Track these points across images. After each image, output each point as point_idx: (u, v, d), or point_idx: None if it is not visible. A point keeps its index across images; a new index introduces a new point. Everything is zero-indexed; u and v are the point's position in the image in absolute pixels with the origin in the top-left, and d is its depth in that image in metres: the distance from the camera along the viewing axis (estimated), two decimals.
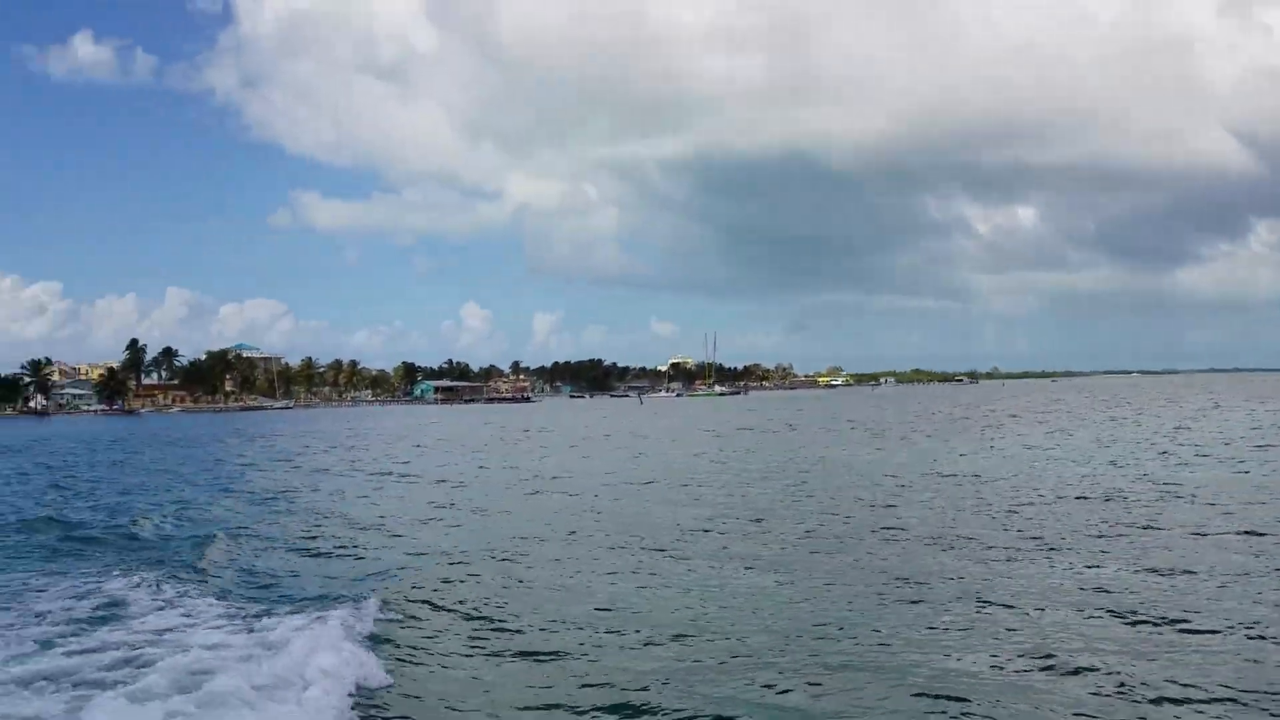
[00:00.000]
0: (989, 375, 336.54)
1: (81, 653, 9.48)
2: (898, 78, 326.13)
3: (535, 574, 13.89)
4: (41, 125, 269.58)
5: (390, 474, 32.99)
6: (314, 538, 18.28)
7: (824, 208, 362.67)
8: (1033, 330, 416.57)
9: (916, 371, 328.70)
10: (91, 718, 7.25)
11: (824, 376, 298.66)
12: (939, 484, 23.64)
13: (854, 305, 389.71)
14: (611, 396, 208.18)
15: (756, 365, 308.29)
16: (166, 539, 18.42)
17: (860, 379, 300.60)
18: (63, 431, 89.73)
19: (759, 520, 18.23)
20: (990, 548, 14.44)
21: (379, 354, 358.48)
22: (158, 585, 13.05)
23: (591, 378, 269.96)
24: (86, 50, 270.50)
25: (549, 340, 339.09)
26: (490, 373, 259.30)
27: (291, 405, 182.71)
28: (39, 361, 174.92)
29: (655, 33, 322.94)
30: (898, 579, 12.34)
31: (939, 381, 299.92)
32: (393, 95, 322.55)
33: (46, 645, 9.76)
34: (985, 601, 11.04)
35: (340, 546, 17.11)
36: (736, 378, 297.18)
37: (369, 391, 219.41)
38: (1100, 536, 15.26)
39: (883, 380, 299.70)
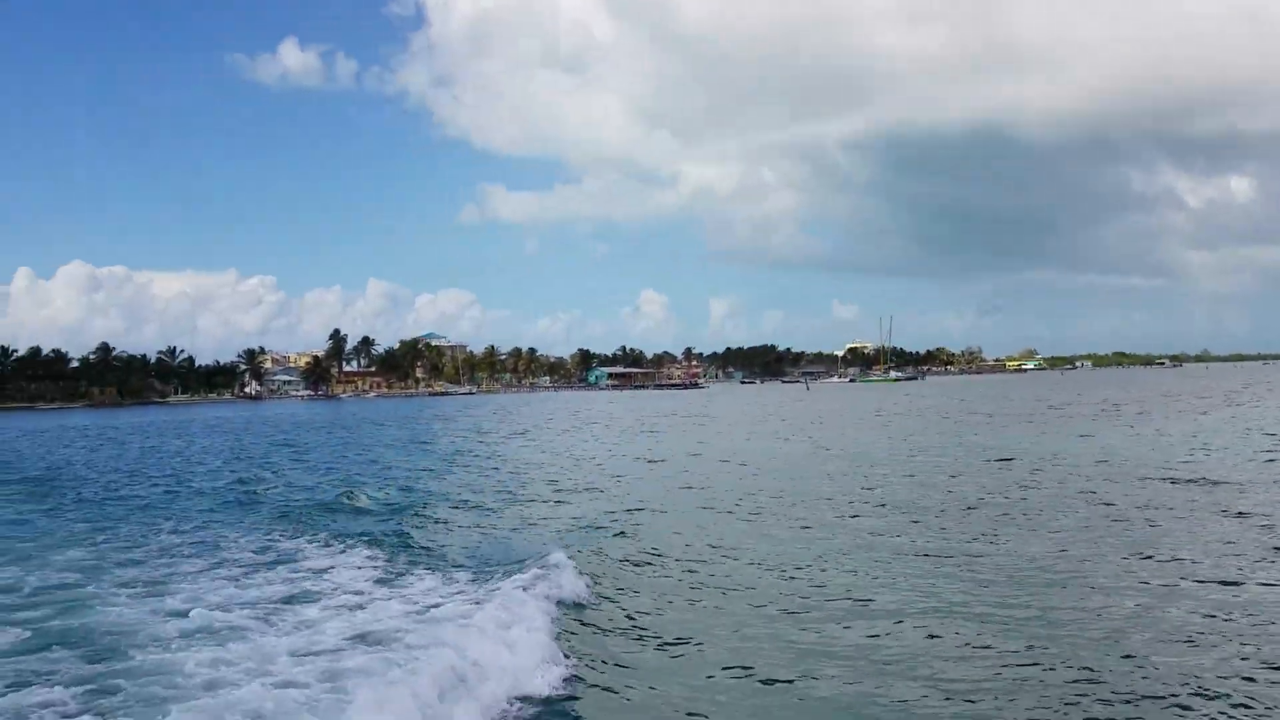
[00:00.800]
0: (1197, 358, 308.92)
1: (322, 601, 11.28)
2: (1095, 43, 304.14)
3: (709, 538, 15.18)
4: (254, 130, 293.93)
5: (562, 452, 35.11)
6: (511, 503, 20.72)
7: (1016, 183, 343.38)
8: (1248, 310, 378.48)
9: (1118, 355, 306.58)
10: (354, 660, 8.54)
11: (1014, 360, 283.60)
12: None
13: (1050, 284, 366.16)
14: (783, 382, 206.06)
15: (941, 349, 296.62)
16: (387, 506, 21.02)
17: (1055, 362, 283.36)
18: (276, 413, 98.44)
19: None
20: None
21: (559, 341, 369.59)
22: (375, 547, 14.98)
23: (764, 363, 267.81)
24: (293, 57, 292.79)
25: (725, 325, 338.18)
26: (663, 359, 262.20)
27: (474, 391, 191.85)
28: (253, 351, 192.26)
29: (831, 10, 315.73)
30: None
31: (1141, 365, 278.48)
32: (573, 87, 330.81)
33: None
34: None
35: (533, 511, 19.34)
36: (919, 362, 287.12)
37: (547, 378, 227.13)
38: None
39: (1078, 364, 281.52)
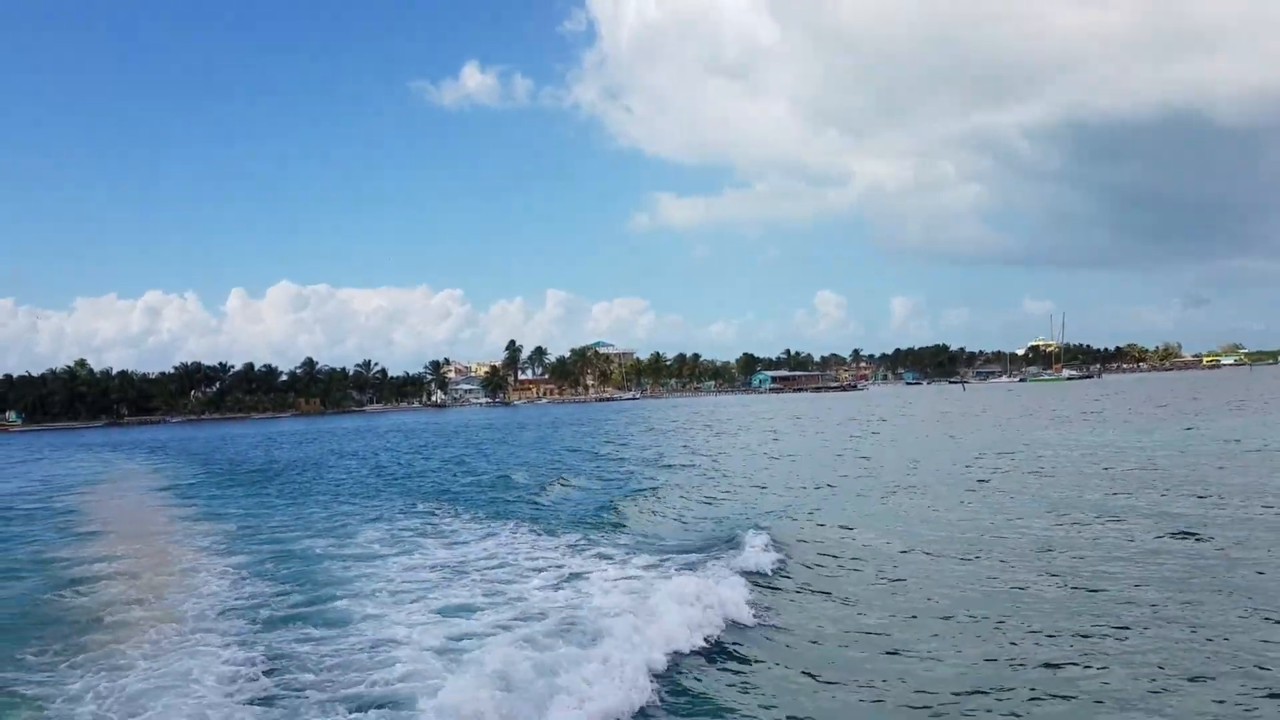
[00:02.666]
0: None
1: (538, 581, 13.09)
2: None
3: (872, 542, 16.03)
4: (439, 152, 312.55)
5: (706, 454, 39.37)
6: (692, 495, 23.52)
7: (1216, 166, 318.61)
8: None
9: None
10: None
11: (1211, 356, 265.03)
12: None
13: (1261, 274, 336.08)
14: (949, 383, 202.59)
15: (1133, 345, 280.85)
16: (584, 491, 24.37)
17: (1259, 358, 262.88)
18: (462, 418, 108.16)
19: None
20: None
21: (732, 345, 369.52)
22: (580, 532, 17.40)
23: (937, 363, 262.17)
24: (474, 80, 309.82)
25: (907, 325, 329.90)
26: (829, 361, 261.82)
27: (638, 396, 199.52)
28: (438, 362, 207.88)
29: None
30: None
31: None
32: (740, 92, 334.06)
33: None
34: None
35: (714, 501, 22.13)
36: (1106, 359, 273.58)
37: (711, 382, 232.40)
38: None
39: None
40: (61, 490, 34.23)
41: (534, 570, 13.75)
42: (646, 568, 13.48)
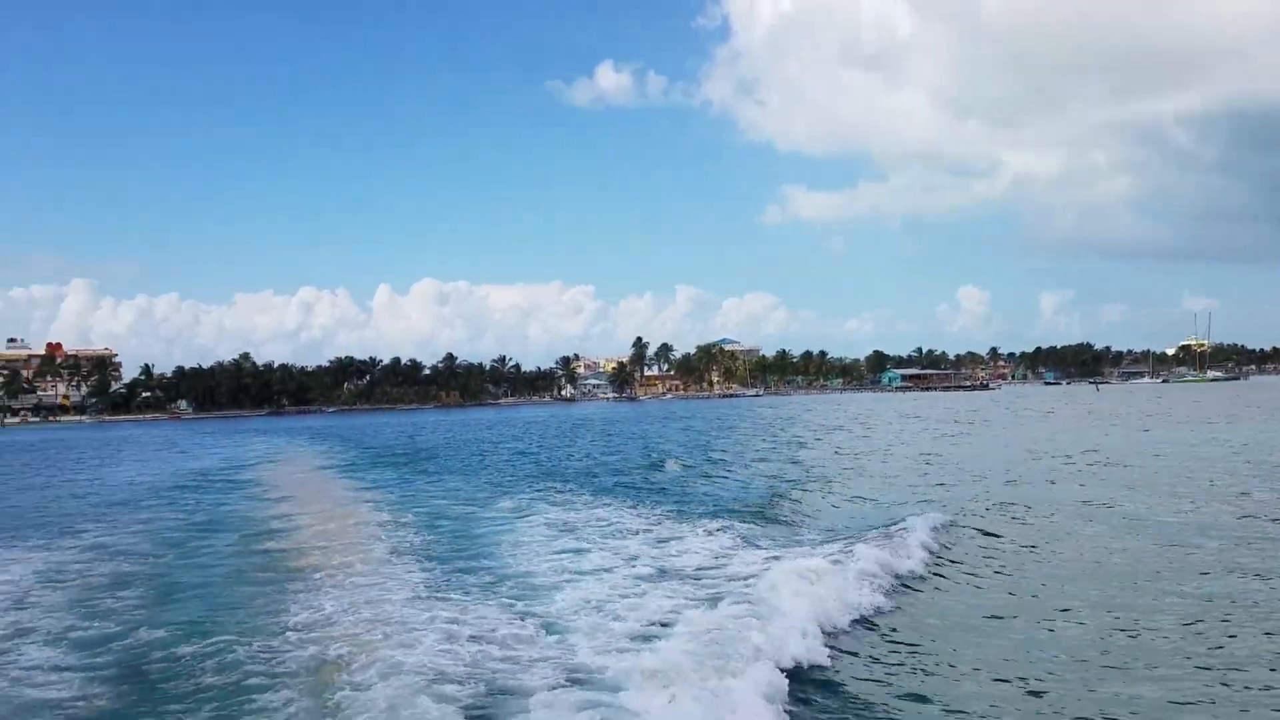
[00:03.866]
0: None
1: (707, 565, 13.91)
2: None
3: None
4: (570, 150, 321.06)
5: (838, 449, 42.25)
6: (834, 484, 25.12)
7: None
8: None
9: None
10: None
11: None
12: None
13: None
14: (1089, 383, 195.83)
15: None
16: (743, 486, 25.48)
17: None
18: (593, 413, 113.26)
19: None
20: None
21: (866, 342, 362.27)
22: (744, 517, 18.72)
23: (1080, 362, 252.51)
24: (608, 79, 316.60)
25: (1056, 322, 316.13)
26: (963, 360, 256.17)
27: (762, 393, 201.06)
28: (568, 358, 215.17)
29: None
30: None
31: None
32: (876, 83, 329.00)
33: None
34: None
35: (858, 490, 23.71)
36: (1261, 359, 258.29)
37: (839, 380, 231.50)
38: None
39: None
40: (245, 466, 39.99)
41: (708, 551, 14.89)
42: (814, 547, 14.87)
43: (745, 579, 12.42)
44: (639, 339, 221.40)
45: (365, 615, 11.37)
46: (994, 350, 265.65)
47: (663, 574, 13.22)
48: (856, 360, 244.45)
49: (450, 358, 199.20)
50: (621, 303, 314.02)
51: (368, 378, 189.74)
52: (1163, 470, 25.75)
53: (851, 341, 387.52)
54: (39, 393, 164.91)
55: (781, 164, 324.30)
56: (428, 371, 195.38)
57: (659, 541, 16.04)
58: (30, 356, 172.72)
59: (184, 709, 8.52)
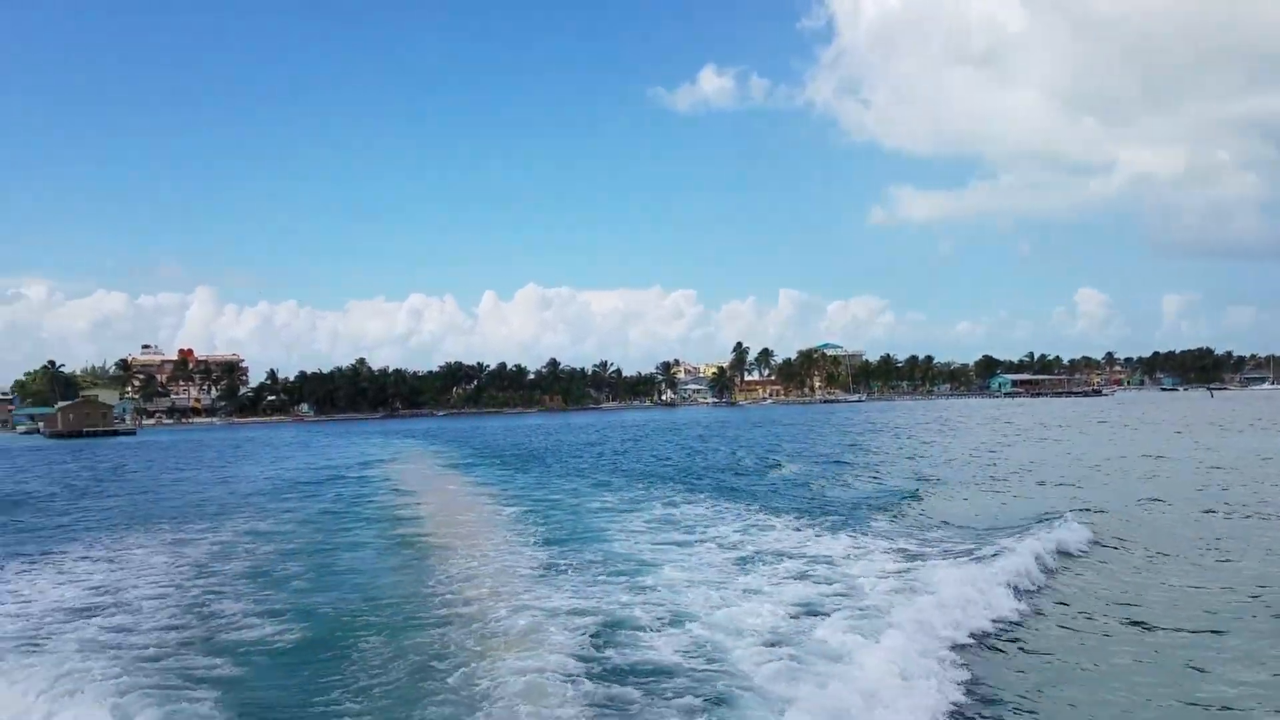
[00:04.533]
0: None
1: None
2: None
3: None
4: (671, 155, 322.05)
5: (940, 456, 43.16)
6: (979, 486, 25.87)
7: None
8: None
9: None
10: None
11: None
12: None
13: None
14: (1205, 389, 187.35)
15: None
16: (879, 490, 25.66)
17: None
18: (696, 417, 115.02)
19: None
20: None
21: (979, 346, 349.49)
22: (874, 522, 19.10)
23: (1200, 367, 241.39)
24: (711, 84, 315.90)
25: (1179, 325, 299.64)
26: (1076, 365, 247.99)
27: (864, 398, 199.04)
28: (668, 363, 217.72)
29: None
30: None
31: None
32: (986, 81, 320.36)
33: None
34: None
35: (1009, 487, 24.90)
36: None
37: (947, 385, 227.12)
38: None
39: None
40: (372, 464, 43.09)
41: (849, 550, 15.57)
42: (949, 546, 15.73)
43: (882, 575, 13.18)
44: (739, 344, 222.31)
45: (497, 586, 13.34)
46: (1109, 355, 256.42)
47: (795, 567, 14.06)
48: (965, 365, 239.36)
49: (553, 363, 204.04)
50: (724, 307, 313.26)
51: (475, 382, 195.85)
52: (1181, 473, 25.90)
53: (962, 345, 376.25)
54: (173, 396, 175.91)
55: (887, 164, 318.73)
56: (532, 376, 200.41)
57: (796, 533, 17.26)
58: (164, 361, 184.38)
59: (359, 657, 10.42)
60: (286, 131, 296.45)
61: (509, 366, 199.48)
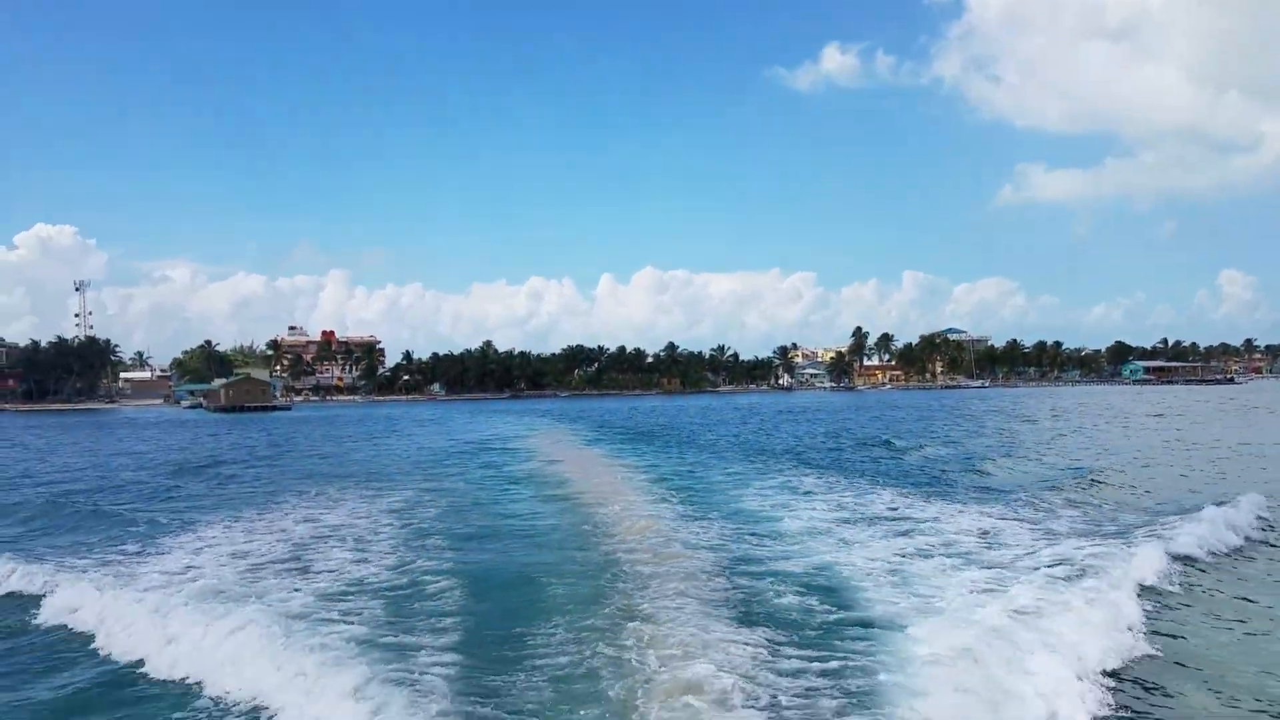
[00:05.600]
0: None
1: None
2: None
3: None
4: (791, 136, 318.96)
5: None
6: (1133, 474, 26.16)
7: None
8: None
9: None
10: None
11: None
12: None
13: None
14: None
15: None
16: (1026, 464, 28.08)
17: None
18: (809, 401, 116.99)
19: None
20: None
21: (1115, 330, 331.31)
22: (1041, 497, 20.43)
23: None
24: (834, 61, 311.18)
25: None
26: (1214, 351, 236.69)
27: (987, 384, 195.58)
28: (785, 347, 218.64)
29: None
30: None
31: None
32: (1123, 56, 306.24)
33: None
34: None
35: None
36: None
37: (1076, 371, 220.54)
38: None
39: None
40: (511, 438, 47.56)
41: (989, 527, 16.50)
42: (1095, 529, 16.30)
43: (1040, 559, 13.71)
44: (859, 329, 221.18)
45: (656, 540, 16.60)
46: (1248, 342, 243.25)
47: (943, 547, 14.95)
48: (1096, 351, 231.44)
49: (671, 346, 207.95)
50: (844, 290, 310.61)
51: (596, 365, 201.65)
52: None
53: (1098, 331, 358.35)
54: (317, 375, 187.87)
55: (1017, 142, 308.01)
56: (650, 359, 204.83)
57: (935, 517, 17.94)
58: (309, 342, 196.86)
59: (539, 591, 12.79)
60: (413, 121, 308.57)
61: (624, 349, 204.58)
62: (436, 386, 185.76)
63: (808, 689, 8.66)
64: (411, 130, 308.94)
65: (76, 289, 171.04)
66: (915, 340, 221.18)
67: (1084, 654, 9.18)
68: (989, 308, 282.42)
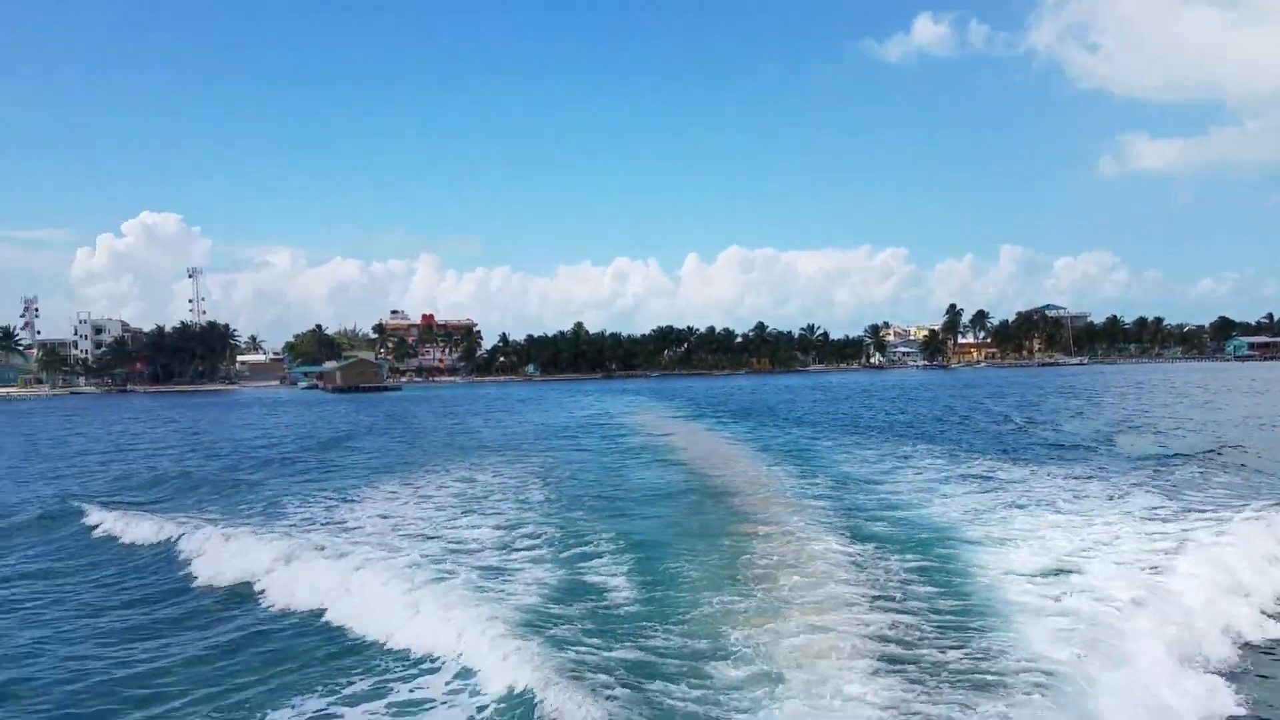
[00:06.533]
0: None
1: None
2: None
3: None
4: (882, 109, 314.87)
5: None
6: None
7: None
8: None
9: None
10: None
11: None
12: None
13: None
14: None
15: None
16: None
17: None
18: (903, 379, 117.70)
19: None
20: None
21: (1222, 305, 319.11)
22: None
23: None
24: (926, 31, 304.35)
25: None
26: None
27: (1085, 362, 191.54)
28: (877, 326, 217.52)
29: None
30: None
31: None
32: (1229, 22, 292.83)
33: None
34: None
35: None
36: None
37: (1179, 348, 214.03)
38: None
39: None
40: (616, 415, 50.88)
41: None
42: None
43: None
44: (953, 306, 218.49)
45: (772, 503, 19.56)
46: None
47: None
48: (1200, 327, 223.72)
49: (760, 326, 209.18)
50: (937, 266, 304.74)
51: (685, 345, 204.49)
52: None
53: (1203, 305, 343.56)
54: (419, 357, 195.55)
55: (1117, 112, 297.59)
56: (739, 339, 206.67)
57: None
58: (410, 325, 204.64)
59: (669, 548, 14.59)
60: (497, 106, 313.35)
61: (713, 329, 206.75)
62: (531, 368, 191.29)
63: (939, 659, 8.77)
64: (495, 111, 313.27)
65: (190, 275, 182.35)
66: (1012, 318, 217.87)
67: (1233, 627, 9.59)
68: (1091, 282, 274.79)
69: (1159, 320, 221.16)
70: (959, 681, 8.15)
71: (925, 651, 8.95)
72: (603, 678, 8.28)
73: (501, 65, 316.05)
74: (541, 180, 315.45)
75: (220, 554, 14.45)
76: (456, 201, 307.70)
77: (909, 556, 12.72)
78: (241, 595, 12.66)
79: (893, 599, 10.64)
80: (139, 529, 17.12)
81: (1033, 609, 10.11)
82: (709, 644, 9.36)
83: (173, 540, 15.99)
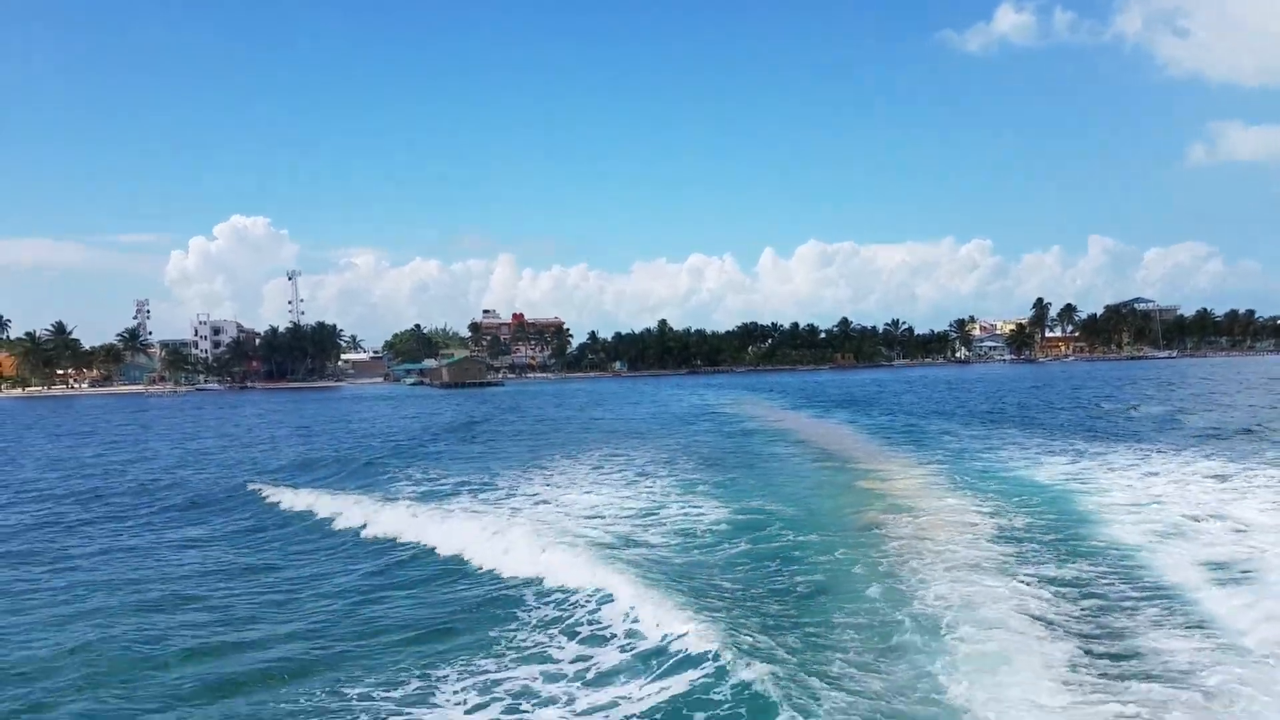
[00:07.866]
0: None
1: None
2: None
3: None
4: (965, 101, 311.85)
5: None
6: None
7: None
8: None
9: None
10: None
11: None
12: None
13: None
14: None
15: None
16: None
17: None
18: (991, 373, 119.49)
19: None
20: None
21: None
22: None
23: None
24: (1008, 20, 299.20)
25: None
26: None
27: (1174, 355, 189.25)
28: (963, 320, 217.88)
29: None
30: None
31: None
32: None
33: None
34: None
35: None
36: None
37: (1271, 341, 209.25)
38: None
39: None
40: (714, 405, 55.70)
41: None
42: None
43: None
44: (1040, 300, 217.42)
45: (907, 484, 24.27)
46: None
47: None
48: None
49: (844, 321, 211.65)
50: (1024, 258, 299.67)
51: (769, 341, 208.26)
52: None
53: None
54: (512, 355, 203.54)
55: (1209, 98, 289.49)
56: (823, 335, 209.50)
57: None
58: (502, 324, 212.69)
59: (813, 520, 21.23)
60: (570, 107, 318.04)
61: (797, 325, 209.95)
62: (618, 364, 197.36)
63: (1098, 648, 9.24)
64: (569, 108, 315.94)
65: (289, 278, 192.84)
66: (1100, 311, 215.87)
67: None
68: (1184, 273, 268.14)
69: (1250, 313, 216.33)
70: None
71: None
72: (781, 653, 9.26)
73: (577, 71, 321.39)
74: (616, 178, 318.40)
75: (439, 528, 16.62)
76: (533, 203, 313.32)
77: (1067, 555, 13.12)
78: (459, 564, 14.63)
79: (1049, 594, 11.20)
80: (382, 515, 18.56)
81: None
82: (886, 617, 10.37)
83: (415, 516, 18.17)
